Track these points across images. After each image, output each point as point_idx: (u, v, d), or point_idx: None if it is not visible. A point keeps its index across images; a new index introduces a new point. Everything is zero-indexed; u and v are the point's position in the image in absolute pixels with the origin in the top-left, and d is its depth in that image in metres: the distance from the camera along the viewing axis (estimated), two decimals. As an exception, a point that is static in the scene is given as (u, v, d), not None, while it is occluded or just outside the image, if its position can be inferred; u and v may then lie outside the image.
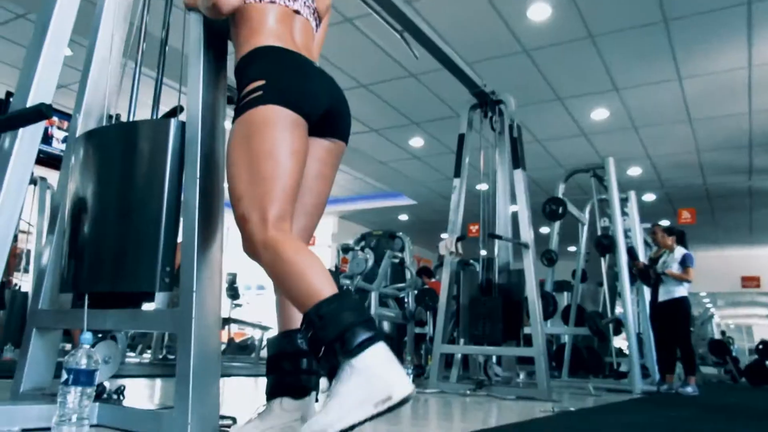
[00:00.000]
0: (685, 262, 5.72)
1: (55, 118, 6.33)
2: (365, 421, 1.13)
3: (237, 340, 9.49)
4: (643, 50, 5.58)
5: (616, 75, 6.11)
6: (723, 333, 13.55)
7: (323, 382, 1.36)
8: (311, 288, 1.26)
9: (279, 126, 1.41)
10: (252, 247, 1.37)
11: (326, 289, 1.25)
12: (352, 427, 1.13)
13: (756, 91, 6.29)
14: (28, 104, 1.53)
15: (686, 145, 7.91)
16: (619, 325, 5.95)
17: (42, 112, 1.34)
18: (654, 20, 5.08)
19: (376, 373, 1.14)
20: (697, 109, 6.81)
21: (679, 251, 5.81)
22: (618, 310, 6.52)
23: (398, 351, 7.40)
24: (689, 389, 5.38)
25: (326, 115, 1.55)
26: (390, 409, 1.13)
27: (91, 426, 1.48)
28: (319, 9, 1.74)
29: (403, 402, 1.13)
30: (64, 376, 1.36)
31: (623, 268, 5.65)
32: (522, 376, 5.79)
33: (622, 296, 5.66)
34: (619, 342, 7.78)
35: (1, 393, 1.92)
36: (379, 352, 1.18)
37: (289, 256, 1.31)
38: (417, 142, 8.37)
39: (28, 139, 1.56)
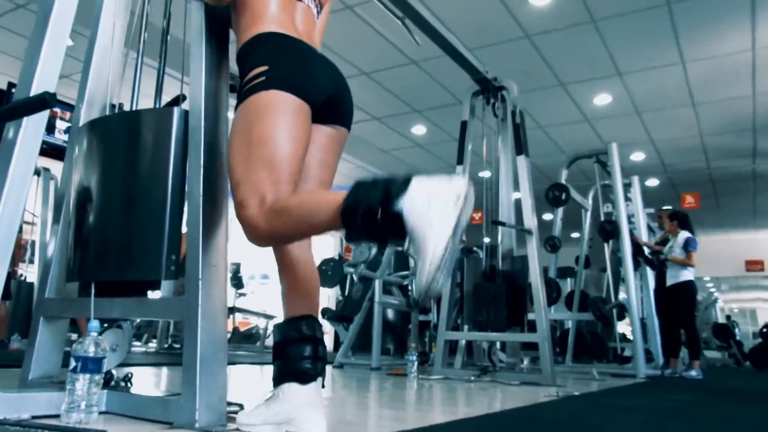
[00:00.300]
0: (687, 246, 5.72)
1: (57, 109, 6.33)
2: (457, 224, 1.16)
3: (242, 329, 9.55)
4: (646, 34, 5.55)
5: (618, 60, 6.08)
6: (728, 317, 13.58)
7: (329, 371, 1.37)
8: (331, 198, 1.27)
9: (281, 110, 1.40)
10: (254, 231, 1.35)
11: (340, 193, 1.27)
12: (452, 236, 1.15)
13: (760, 74, 6.25)
14: (32, 94, 1.53)
15: (689, 130, 7.88)
16: (622, 311, 5.96)
17: (46, 100, 1.34)
18: (657, 3, 5.05)
19: (433, 189, 1.17)
20: (700, 93, 6.78)
21: (682, 235, 5.81)
22: (621, 295, 6.53)
23: (402, 339, 7.44)
24: (693, 373, 5.40)
25: (329, 102, 1.54)
26: (466, 203, 1.17)
27: (100, 413, 1.49)
28: (321, -5, 1.73)
29: (469, 193, 1.18)
30: (73, 363, 1.37)
31: (627, 254, 5.65)
32: (526, 361, 5.82)
33: (625, 281, 5.67)
34: (622, 327, 7.80)
35: (10, 381, 1.94)
36: (422, 177, 1.20)
37: (293, 201, 1.32)
38: (419, 129, 8.35)
39: (32, 129, 1.56)
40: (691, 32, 5.49)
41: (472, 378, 3.95)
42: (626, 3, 5.07)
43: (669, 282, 5.82)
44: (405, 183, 1.20)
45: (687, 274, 5.73)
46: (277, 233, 1.35)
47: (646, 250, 6.35)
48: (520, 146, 4.42)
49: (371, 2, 3.74)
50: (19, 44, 6.14)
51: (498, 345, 5.37)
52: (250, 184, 1.36)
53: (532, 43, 5.80)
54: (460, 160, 4.66)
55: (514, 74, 4.95)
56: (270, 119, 1.39)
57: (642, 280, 6.32)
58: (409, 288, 6.23)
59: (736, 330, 11.97)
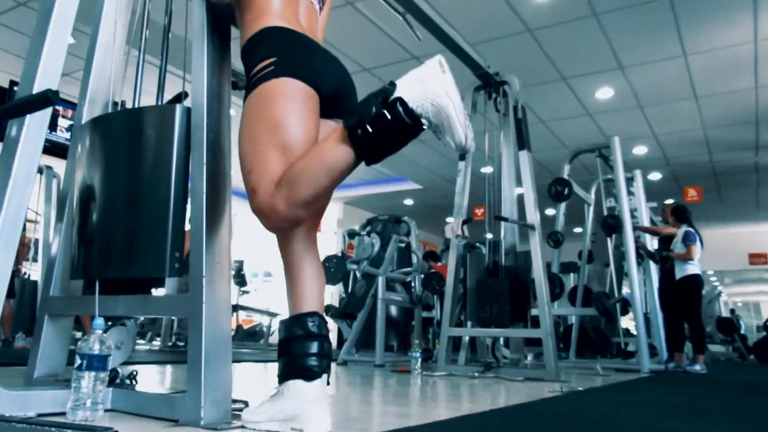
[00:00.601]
0: (685, 240, 5.71)
1: (59, 107, 6.33)
2: (453, 82, 1.32)
3: (245, 326, 9.56)
4: (648, 27, 5.53)
5: (620, 53, 6.06)
6: (732, 311, 13.56)
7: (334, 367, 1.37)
8: (333, 137, 1.34)
9: (292, 96, 1.41)
10: (273, 216, 1.36)
11: (338, 128, 1.36)
12: (458, 94, 1.31)
13: (762, 66, 6.23)
14: (34, 91, 1.53)
15: (692, 123, 7.85)
16: (626, 305, 5.95)
17: (49, 98, 1.34)
18: (659, -3, 5.02)
19: (415, 72, 1.31)
20: (702, 86, 6.76)
21: (682, 230, 5.81)
22: (625, 290, 6.53)
23: (406, 335, 7.45)
24: (697, 367, 5.39)
25: (334, 96, 1.54)
26: (445, 66, 1.34)
27: (106, 411, 1.49)
28: (323, -8, 1.73)
29: (442, 60, 1.34)
30: (78, 361, 1.37)
31: (630, 248, 5.64)
32: (530, 357, 5.82)
33: (629, 276, 5.66)
34: (626, 322, 7.80)
35: (15, 379, 1.94)
36: (403, 76, 1.33)
37: (299, 164, 1.34)
38: (421, 125, 8.32)
39: (35, 127, 1.56)
40: (692, 25, 5.47)
41: (476, 374, 3.95)
42: (628, -4, 5.05)
43: (677, 276, 5.81)
44: (391, 84, 1.30)
45: (692, 268, 5.71)
46: (298, 203, 1.35)
47: (650, 243, 6.34)
48: (522, 141, 4.41)
49: (372, -2, 3.73)
50: (21, 42, 6.15)
51: (501, 341, 5.37)
52: (262, 169, 1.36)
53: (533, 37, 5.78)
54: (461, 156, 4.66)
55: (515, 69, 4.93)
56: (280, 105, 1.40)
57: (645, 275, 6.32)
58: (412, 285, 6.23)
59: (740, 323, 11.96)
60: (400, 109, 1.27)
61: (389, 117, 1.26)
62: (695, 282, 5.72)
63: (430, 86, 1.27)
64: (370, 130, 1.26)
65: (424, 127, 1.30)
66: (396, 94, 1.28)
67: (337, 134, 1.32)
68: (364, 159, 1.31)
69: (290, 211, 1.35)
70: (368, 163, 1.32)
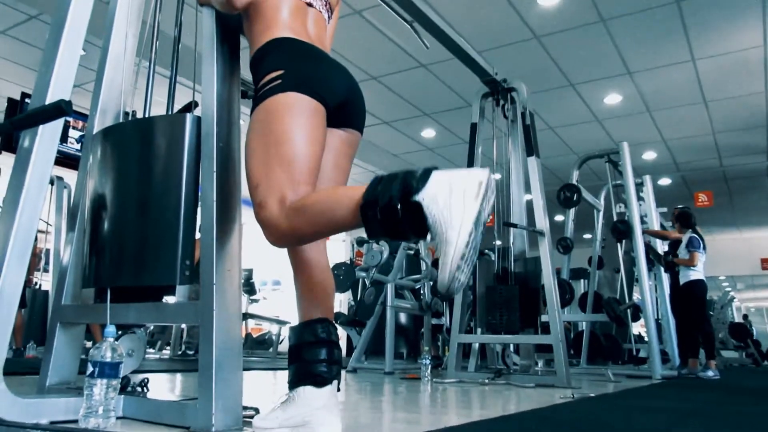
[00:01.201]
0: (688, 246, 5.69)
1: (70, 118, 6.39)
2: (479, 214, 1.16)
3: (254, 335, 9.56)
4: (656, 32, 5.52)
5: (628, 58, 6.05)
6: (745, 316, 13.42)
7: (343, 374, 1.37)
8: (350, 193, 1.26)
9: (298, 112, 1.41)
10: (274, 231, 1.35)
11: (359, 188, 1.26)
12: (471, 233, 1.15)
13: (772, 71, 6.20)
14: (47, 102, 1.55)
15: (701, 127, 7.82)
16: (637, 311, 5.91)
17: (62, 108, 1.36)
18: (666, 1, 5.02)
19: (452, 180, 1.17)
20: (711, 91, 6.73)
21: (686, 236, 5.79)
22: (636, 296, 6.48)
23: (415, 342, 7.42)
24: (710, 373, 5.34)
25: (342, 106, 1.55)
26: (487, 192, 1.17)
27: (117, 418, 1.50)
28: (331, 1, 1.74)
29: (489, 183, 1.19)
30: (90, 369, 1.38)
31: (640, 254, 5.61)
32: (540, 364, 5.78)
33: (639, 282, 5.62)
34: (637, 328, 7.74)
35: (27, 388, 1.96)
36: (441, 171, 1.20)
37: (311, 199, 1.31)
38: (429, 133, 8.34)
39: (47, 137, 1.58)
40: (700, 29, 5.45)
41: (487, 381, 3.93)
42: (635, 2, 5.05)
43: (681, 282, 5.81)
44: (425, 175, 1.19)
45: (694, 274, 5.70)
46: (298, 232, 1.34)
47: (660, 248, 6.30)
48: (531, 147, 4.40)
49: (379, 6, 3.74)
50: (32, 54, 6.22)
51: (512, 347, 5.34)
52: (269, 185, 1.36)
53: (540, 43, 5.79)
54: (470, 163, 4.66)
55: (523, 75, 4.94)
56: (287, 120, 1.40)
57: (656, 280, 6.27)
58: (422, 292, 6.22)
59: (752, 329, 11.83)
60: (415, 216, 1.18)
61: (400, 215, 1.19)
62: (697, 288, 5.70)
63: (453, 207, 1.16)
64: (379, 216, 1.20)
65: (427, 240, 1.27)
66: (419, 197, 1.17)
67: (352, 195, 1.25)
68: (366, 233, 1.28)
69: (293, 234, 1.36)
70: (369, 237, 1.32)
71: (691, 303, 5.68)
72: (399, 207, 1.18)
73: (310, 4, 1.64)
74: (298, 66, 1.48)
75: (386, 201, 1.19)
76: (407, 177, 1.20)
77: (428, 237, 1.20)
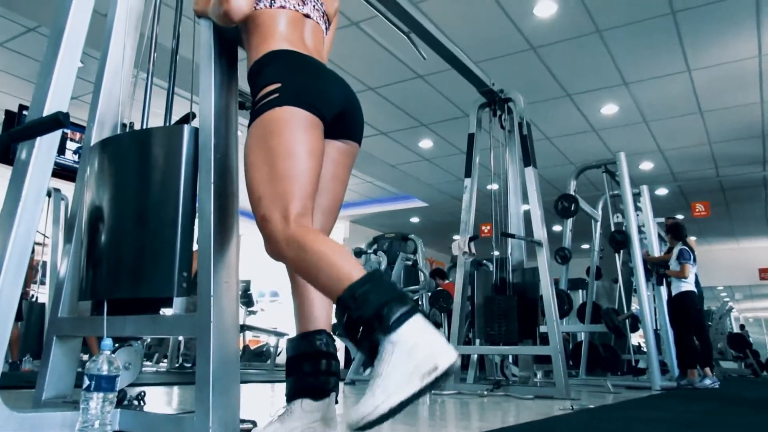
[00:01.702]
0: (679, 258, 5.72)
1: (67, 130, 6.39)
2: (414, 396, 1.09)
3: (252, 347, 9.53)
4: (651, 43, 5.55)
5: (624, 69, 6.08)
6: (742, 327, 13.41)
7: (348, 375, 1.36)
8: (341, 273, 1.24)
9: (296, 126, 1.42)
10: (275, 247, 1.36)
11: (355, 271, 1.23)
12: (402, 404, 1.08)
13: (767, 81, 6.23)
14: (45, 114, 1.55)
15: (698, 138, 7.85)
16: (635, 322, 5.91)
17: (60, 120, 1.36)
18: (661, 12, 5.06)
19: (417, 345, 1.11)
20: (707, 101, 6.76)
21: (677, 247, 5.83)
22: (634, 306, 6.48)
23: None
24: (707, 381, 5.33)
25: (340, 117, 1.56)
26: (437, 380, 1.09)
27: (114, 432, 1.49)
28: (328, 12, 1.75)
29: (448, 372, 1.10)
30: (86, 382, 1.37)
31: (638, 264, 5.61)
32: (539, 375, 5.76)
33: (638, 292, 5.63)
34: (636, 338, 7.72)
35: (23, 402, 1.94)
36: (418, 324, 1.15)
37: (314, 246, 1.30)
38: (426, 143, 8.36)
39: (45, 149, 1.57)
40: (696, 40, 5.49)
41: (485, 392, 3.91)
42: (631, 13, 5.09)
43: (673, 293, 5.87)
44: (399, 321, 1.14)
45: (684, 285, 5.74)
46: (290, 259, 1.36)
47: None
48: (528, 158, 4.41)
49: (377, 18, 3.77)
50: (30, 67, 6.23)
51: (510, 359, 5.33)
52: (272, 200, 1.37)
53: (537, 54, 5.82)
54: (468, 173, 4.67)
55: (520, 86, 4.96)
56: (286, 135, 1.41)
57: (655, 291, 6.27)
58: (420, 303, 6.21)
59: (749, 339, 11.82)
60: (370, 345, 1.16)
61: (359, 336, 1.18)
62: (688, 298, 5.74)
63: (395, 375, 1.09)
64: (344, 319, 1.20)
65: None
66: (382, 337, 1.14)
67: (345, 275, 1.23)
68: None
69: (285, 257, 1.37)
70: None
71: (682, 313, 5.72)
72: (360, 330, 1.18)
73: (307, 16, 1.64)
74: (296, 79, 1.48)
75: (355, 316, 1.18)
76: (384, 309, 1.15)
77: (372, 369, 1.15)
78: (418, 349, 1.11)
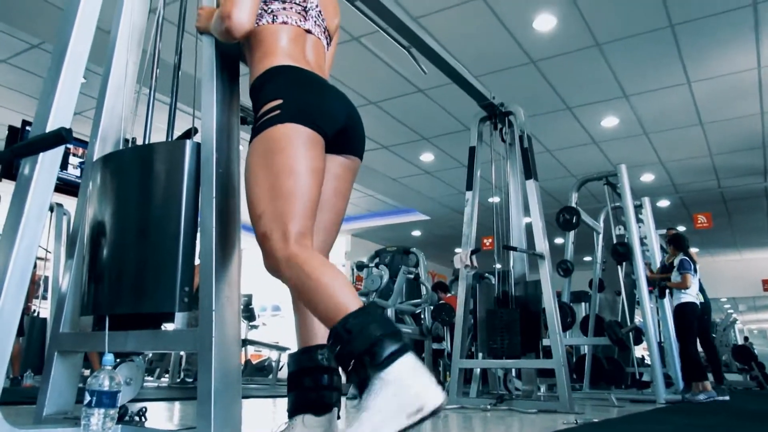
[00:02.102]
0: (680, 269, 5.70)
1: (70, 145, 6.42)
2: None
3: (254, 361, 9.48)
4: (651, 56, 5.58)
5: (624, 82, 6.11)
6: (746, 338, 13.33)
7: (344, 399, 1.35)
8: (337, 302, 1.25)
9: (298, 143, 1.42)
10: (275, 264, 1.36)
11: (352, 303, 1.24)
12: None
13: (767, 92, 6.25)
14: (47, 130, 1.56)
15: (698, 149, 7.86)
16: (639, 334, 5.87)
17: (62, 136, 1.36)
18: (660, 25, 5.09)
19: (406, 385, 1.12)
20: (707, 112, 6.78)
21: (678, 258, 5.81)
22: (637, 318, 6.44)
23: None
24: (701, 397, 5.28)
25: (341, 132, 1.56)
26: (422, 420, 1.11)
27: (115, 448, 1.48)
28: (329, 28, 1.76)
29: (435, 412, 1.11)
30: (87, 398, 1.36)
31: (641, 276, 5.59)
32: (543, 389, 5.72)
33: (641, 304, 5.60)
34: (640, 351, 7.68)
35: (24, 418, 1.93)
36: (409, 363, 1.16)
37: (312, 271, 1.30)
38: (427, 157, 8.38)
39: (47, 165, 1.58)
40: (695, 52, 5.52)
41: (489, 407, 3.89)
42: (629, 26, 5.12)
43: (674, 304, 5.83)
44: (392, 356, 1.15)
45: (684, 296, 5.70)
46: (288, 279, 1.35)
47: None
48: (529, 170, 4.42)
49: (377, 33, 3.79)
50: (33, 83, 6.27)
51: (513, 372, 5.29)
52: (273, 217, 1.37)
53: (537, 68, 5.85)
54: (469, 186, 4.67)
55: (520, 99, 4.98)
56: (288, 152, 1.41)
57: (658, 303, 6.24)
58: (422, 316, 6.19)
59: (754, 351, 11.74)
60: (360, 378, 1.18)
61: (350, 367, 1.19)
62: (687, 310, 5.69)
63: (382, 411, 1.11)
64: (336, 350, 1.21)
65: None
66: (372, 373, 1.15)
67: (341, 305, 1.24)
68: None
69: (282, 276, 1.37)
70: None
71: (685, 325, 5.67)
72: (351, 362, 1.18)
73: (308, 31, 1.65)
74: (297, 95, 1.49)
75: (347, 349, 1.19)
76: (377, 345, 1.16)
77: (360, 400, 1.16)
78: (406, 388, 1.12)
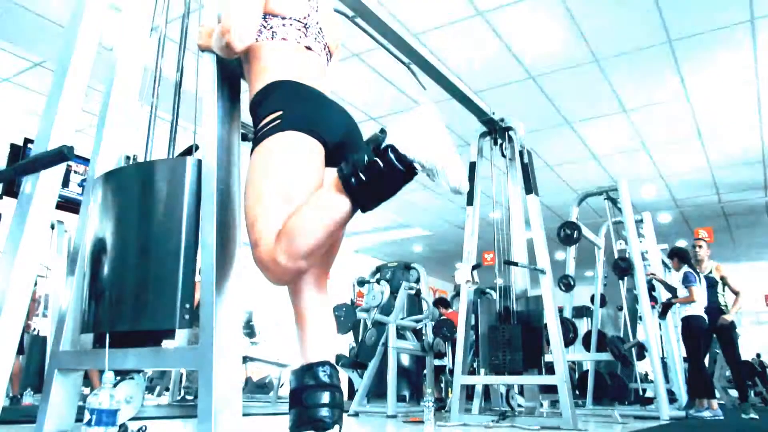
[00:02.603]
0: (685, 282, 5.66)
1: (71, 162, 6.44)
2: (438, 123, 1.36)
3: (255, 378, 9.42)
4: (649, 70, 5.61)
5: (623, 97, 6.14)
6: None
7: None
8: (326, 187, 1.36)
9: (297, 150, 1.43)
10: (275, 269, 1.36)
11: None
12: (445, 137, 1.35)
13: (766, 106, 6.28)
14: (49, 148, 1.57)
15: (698, 163, 7.87)
16: (642, 350, 5.84)
17: (64, 153, 1.37)
18: (658, 41, 5.12)
19: (405, 118, 1.33)
20: (706, 127, 6.80)
21: (682, 271, 5.77)
22: (640, 333, 6.41)
23: (418, 384, 7.31)
24: (705, 414, 5.22)
25: (341, 146, 1.56)
26: (431, 114, 1.35)
27: (114, 468, 1.46)
28: (330, 45, 1.77)
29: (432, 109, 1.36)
30: (87, 416, 1.35)
31: (642, 291, 5.57)
32: (545, 405, 5.68)
33: (643, 320, 5.57)
34: (643, 366, 7.62)
35: (23, 438, 1.91)
36: (395, 126, 1.33)
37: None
38: (428, 172, 8.39)
39: (48, 182, 1.59)
40: (693, 67, 5.55)
41: (491, 423, 3.85)
42: (628, 42, 5.16)
43: (680, 317, 5.78)
44: (381, 132, 1.31)
45: (688, 309, 5.65)
46: (298, 255, 1.33)
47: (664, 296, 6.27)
48: (530, 185, 4.42)
49: (377, 49, 3.82)
50: (35, 101, 6.31)
51: (516, 388, 5.26)
52: (265, 222, 1.37)
53: (536, 83, 5.88)
54: (470, 202, 4.67)
55: (520, 115, 4.99)
56: (285, 158, 1.42)
57: (660, 318, 6.22)
58: (423, 332, 6.16)
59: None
60: (392, 156, 1.27)
61: (381, 164, 1.28)
62: (691, 323, 5.62)
63: (421, 131, 1.29)
64: (363, 177, 1.27)
65: (417, 171, 1.31)
66: (387, 142, 1.29)
67: (331, 184, 1.32)
68: (359, 207, 1.31)
69: (291, 263, 1.34)
70: (363, 210, 1.33)
71: (689, 339, 5.61)
72: (377, 159, 1.28)
73: (308, 48, 1.67)
74: (297, 106, 1.50)
75: (364, 162, 1.29)
76: (368, 139, 1.35)
77: (417, 168, 1.30)
78: (408, 118, 1.33)
